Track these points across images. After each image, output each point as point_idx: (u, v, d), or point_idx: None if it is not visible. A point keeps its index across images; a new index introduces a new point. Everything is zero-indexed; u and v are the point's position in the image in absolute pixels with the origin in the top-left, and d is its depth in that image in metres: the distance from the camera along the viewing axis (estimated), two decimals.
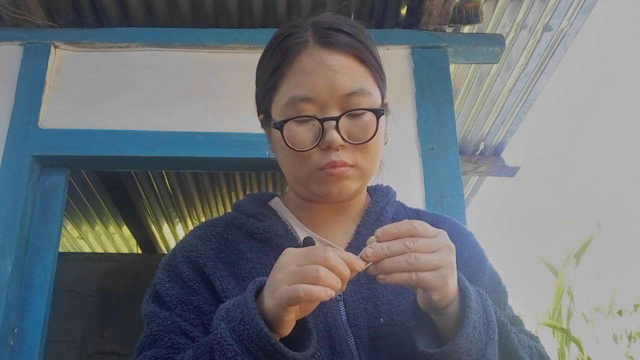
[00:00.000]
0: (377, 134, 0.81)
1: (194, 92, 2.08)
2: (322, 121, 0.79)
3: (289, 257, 0.68)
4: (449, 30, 2.20)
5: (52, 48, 2.11)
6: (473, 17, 2.19)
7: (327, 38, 0.82)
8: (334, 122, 0.79)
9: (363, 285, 0.82)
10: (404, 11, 2.24)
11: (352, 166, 0.81)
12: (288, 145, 0.80)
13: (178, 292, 0.83)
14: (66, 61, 2.12)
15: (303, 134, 0.80)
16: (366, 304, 0.81)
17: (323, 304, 0.77)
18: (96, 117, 2.03)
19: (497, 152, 3.23)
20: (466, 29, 2.31)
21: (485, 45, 2.19)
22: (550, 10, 2.25)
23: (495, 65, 2.49)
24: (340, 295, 0.81)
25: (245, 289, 0.79)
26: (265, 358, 0.66)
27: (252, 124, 2.00)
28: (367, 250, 0.67)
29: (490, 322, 0.72)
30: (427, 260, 0.67)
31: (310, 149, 0.80)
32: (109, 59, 2.13)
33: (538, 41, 2.40)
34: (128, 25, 2.23)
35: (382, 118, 0.83)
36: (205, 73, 2.11)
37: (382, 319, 0.80)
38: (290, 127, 0.80)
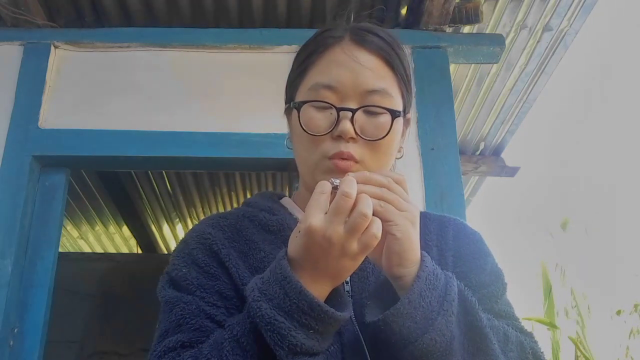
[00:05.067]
0: (389, 134, 0.82)
1: (194, 92, 2.08)
2: (338, 110, 0.81)
3: (311, 239, 0.67)
4: (449, 30, 2.20)
5: (52, 48, 2.11)
6: (473, 17, 2.19)
7: (362, 37, 0.86)
8: (349, 114, 0.81)
9: (371, 284, 0.83)
10: (404, 11, 2.24)
11: (357, 162, 0.81)
12: (302, 128, 0.83)
13: (195, 276, 0.82)
14: (66, 61, 2.12)
15: (319, 120, 0.82)
16: None
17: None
18: (96, 117, 2.03)
19: (497, 152, 3.23)
20: (466, 29, 2.31)
21: (485, 45, 2.19)
22: (550, 10, 2.25)
23: (495, 65, 2.50)
24: (348, 292, 0.81)
25: None
26: (319, 326, 0.67)
27: (252, 124, 2.02)
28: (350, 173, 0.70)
29: (448, 295, 0.71)
30: (396, 198, 0.71)
31: (323, 134, 0.82)
32: (109, 59, 2.13)
33: (538, 41, 2.40)
34: (128, 25, 2.23)
35: (399, 122, 0.84)
36: (205, 73, 2.11)
37: None
38: (307, 111, 0.83)
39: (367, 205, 0.66)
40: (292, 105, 0.86)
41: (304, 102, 0.84)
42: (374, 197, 0.69)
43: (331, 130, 0.81)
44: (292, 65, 0.93)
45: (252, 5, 2.17)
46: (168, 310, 0.80)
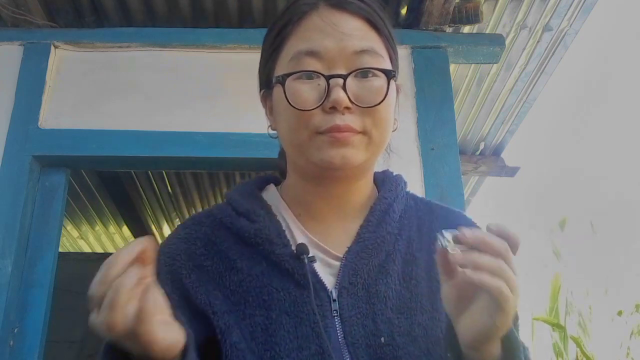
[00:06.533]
0: (387, 97, 0.74)
1: (194, 92, 2.08)
2: (328, 78, 0.72)
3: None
4: (449, 30, 2.20)
5: (52, 48, 2.11)
6: (473, 17, 2.19)
7: (338, 0, 0.77)
8: (341, 80, 0.72)
9: (361, 299, 0.75)
10: (404, 11, 2.24)
11: (359, 132, 0.73)
12: (289, 102, 0.73)
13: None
14: (66, 61, 2.12)
15: (306, 92, 0.73)
16: (365, 320, 0.73)
17: (316, 321, 0.71)
18: (96, 117, 2.03)
19: (497, 152, 3.23)
20: (466, 29, 2.31)
21: (485, 45, 2.19)
22: (550, 10, 2.25)
23: (495, 65, 2.49)
24: (336, 311, 0.74)
25: (234, 303, 0.73)
26: None
27: (252, 124, 2.02)
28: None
29: None
30: (511, 277, 0.59)
31: (313, 108, 0.72)
32: (109, 59, 2.12)
33: (538, 41, 2.40)
34: (128, 25, 2.23)
35: (393, 85, 0.77)
36: (205, 73, 2.11)
37: (382, 339, 0.72)
38: (292, 85, 0.73)
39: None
40: (275, 79, 0.76)
41: (289, 74, 0.74)
42: (491, 271, 0.58)
43: (322, 103, 0.72)
44: (263, 46, 0.83)
45: (252, 5, 2.17)
46: None
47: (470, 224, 0.86)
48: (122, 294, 0.55)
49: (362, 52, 0.74)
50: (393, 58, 0.81)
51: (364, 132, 0.74)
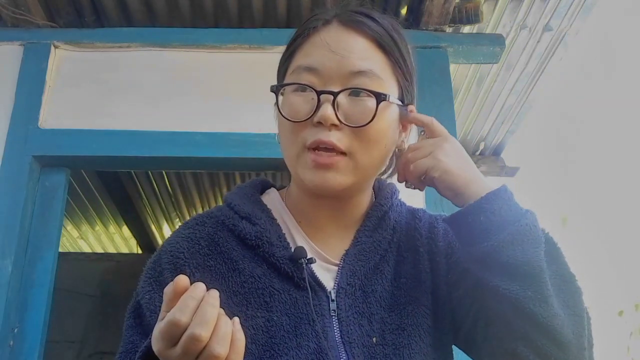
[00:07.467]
0: (375, 120, 0.73)
1: (194, 92, 2.08)
2: (319, 93, 0.73)
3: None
4: (449, 30, 2.20)
5: (52, 48, 2.11)
6: (473, 17, 2.19)
7: (350, 18, 0.78)
8: (331, 97, 0.73)
9: (358, 299, 0.77)
10: (404, 11, 2.24)
11: (343, 154, 0.74)
12: (281, 113, 0.76)
13: (158, 307, 0.70)
14: (66, 61, 2.12)
15: (299, 104, 0.75)
16: (361, 320, 0.76)
17: (314, 321, 0.74)
18: (96, 117, 2.03)
19: (497, 152, 3.23)
20: (466, 29, 2.31)
21: (485, 45, 2.19)
22: (550, 10, 2.25)
23: (495, 65, 2.49)
24: (334, 311, 0.76)
25: (236, 304, 0.74)
26: None
27: (252, 124, 2.02)
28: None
29: (526, 225, 0.73)
30: (417, 149, 0.80)
31: (302, 120, 0.74)
32: (109, 59, 2.13)
33: (538, 41, 2.40)
34: (128, 25, 2.23)
35: (389, 108, 0.77)
36: (205, 73, 2.11)
37: (374, 339, 0.75)
38: (287, 95, 0.77)
39: (199, 325, 0.59)
40: (271, 89, 0.79)
41: (282, 85, 0.78)
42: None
43: (311, 116, 0.73)
44: (282, 56, 0.86)
45: (252, 5, 2.17)
46: (121, 339, 0.77)
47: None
48: (214, 308, 0.60)
49: (359, 72, 0.75)
50: (402, 83, 0.80)
51: (349, 154, 0.74)
